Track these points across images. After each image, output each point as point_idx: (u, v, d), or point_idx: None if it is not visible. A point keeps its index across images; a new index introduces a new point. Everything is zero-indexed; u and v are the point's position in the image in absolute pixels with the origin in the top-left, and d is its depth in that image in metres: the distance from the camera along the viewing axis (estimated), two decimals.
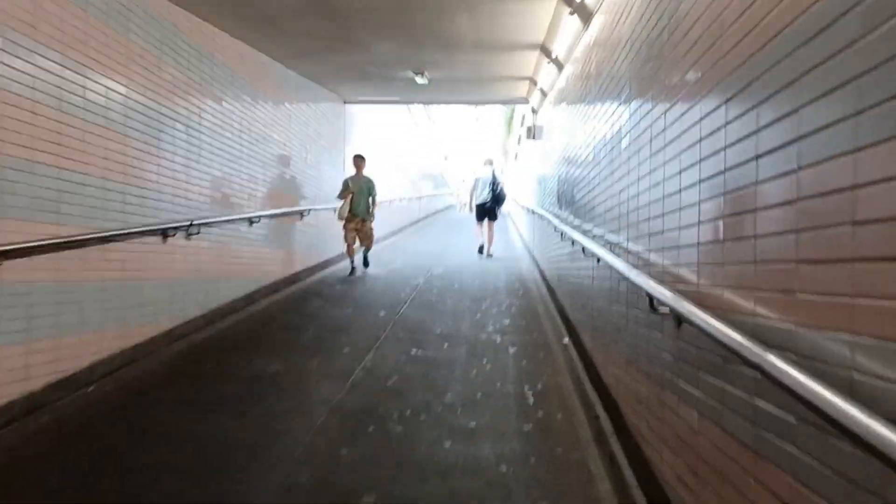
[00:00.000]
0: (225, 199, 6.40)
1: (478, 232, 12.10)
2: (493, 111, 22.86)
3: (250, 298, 7.02)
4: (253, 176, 7.10)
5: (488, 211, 11.62)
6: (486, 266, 10.55)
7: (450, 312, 6.81)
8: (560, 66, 6.90)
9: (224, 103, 6.37)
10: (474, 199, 11.80)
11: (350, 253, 9.45)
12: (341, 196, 9.28)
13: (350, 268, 9.46)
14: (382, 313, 6.73)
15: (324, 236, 9.76)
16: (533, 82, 8.86)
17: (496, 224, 11.99)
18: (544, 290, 8.16)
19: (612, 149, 3.89)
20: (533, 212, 10.21)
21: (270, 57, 7.41)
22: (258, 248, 7.27)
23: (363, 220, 9.43)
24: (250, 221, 6.95)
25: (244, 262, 6.92)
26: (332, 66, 8.05)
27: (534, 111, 10.75)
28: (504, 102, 12.23)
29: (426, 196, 22.29)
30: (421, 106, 21.77)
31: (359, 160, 9.50)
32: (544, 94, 8.77)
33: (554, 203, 7.46)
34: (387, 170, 15.21)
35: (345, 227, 9.38)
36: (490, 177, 11.63)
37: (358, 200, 9.28)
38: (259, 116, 7.28)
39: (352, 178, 9.39)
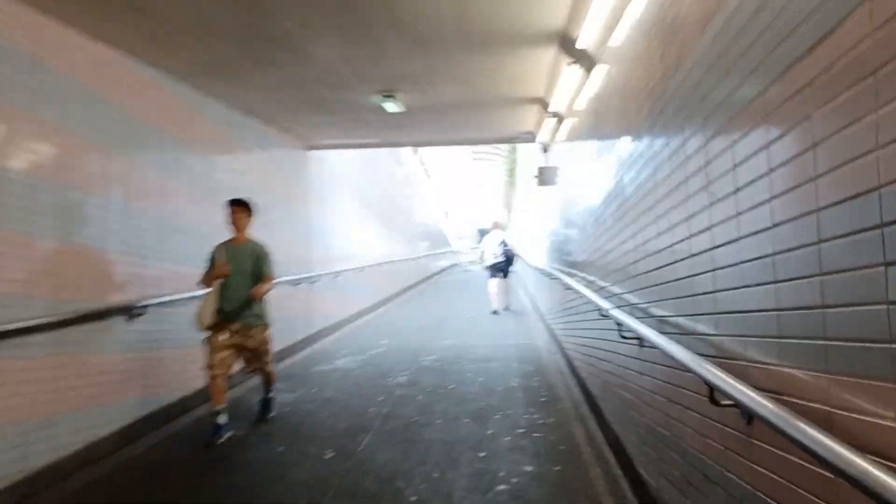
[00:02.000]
0: (70, 287, 4.03)
1: (491, 292, 11.97)
2: (493, 161, 20.86)
3: (128, 434, 4.54)
4: (134, 247, 4.75)
5: (500, 270, 11.87)
6: (493, 349, 8.06)
7: (437, 446, 4.31)
8: (589, 66, 4.63)
9: (65, 136, 4.09)
10: (486, 259, 12.17)
11: (215, 393, 4.60)
12: (205, 281, 4.81)
13: (213, 427, 4.55)
14: (330, 455, 4.23)
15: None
16: (543, 106, 6.62)
17: (508, 283, 12.29)
18: (577, 393, 5.66)
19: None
20: (552, 276, 7.81)
21: (165, 72, 5.15)
22: (144, 353, 4.84)
23: (247, 327, 4.79)
24: (130, 314, 4.57)
25: (116, 377, 4.48)
26: (267, 89, 5.82)
27: (544, 150, 8.53)
28: (505, 141, 10.03)
29: (423, 256, 19.98)
30: (416, 160, 19.76)
31: (237, 211, 4.87)
32: (560, 119, 6.52)
33: (589, 270, 5.08)
34: (374, 228, 12.93)
35: (209, 340, 4.66)
36: (501, 239, 11.98)
37: (234, 289, 4.72)
38: (152, 161, 5.01)
39: (224, 245, 4.86)
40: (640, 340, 3.09)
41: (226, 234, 4.89)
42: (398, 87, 5.85)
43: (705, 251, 2.20)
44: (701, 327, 2.29)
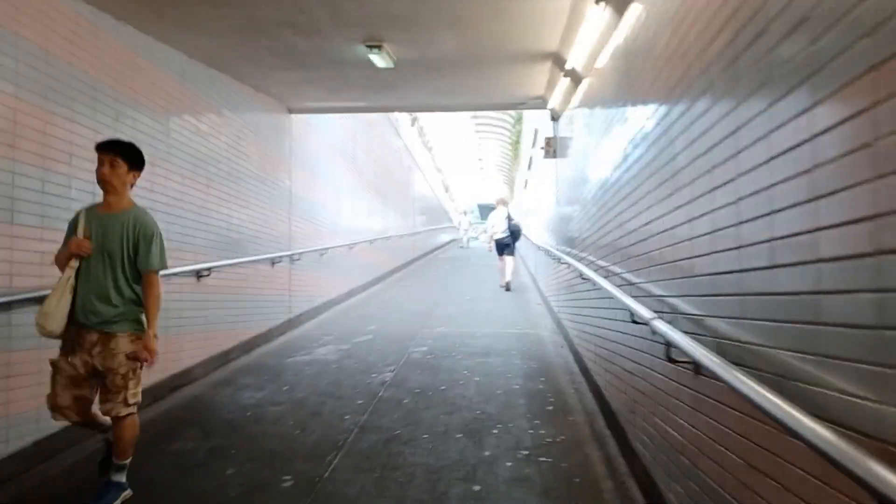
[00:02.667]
0: None
1: (500, 266, 12.14)
2: (496, 131, 19.83)
3: (45, 450, 3.69)
4: (55, 221, 3.85)
5: (506, 246, 11.92)
6: (492, 340, 7.21)
7: (421, 475, 3.48)
8: (621, 6, 3.70)
9: None
10: (491, 236, 12.30)
11: (101, 427, 3.27)
12: (60, 261, 3.16)
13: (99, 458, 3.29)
14: (288, 483, 3.40)
15: (231, 309, 6.49)
16: (557, 62, 5.67)
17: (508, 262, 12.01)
18: (591, 402, 4.82)
19: None
20: (560, 260, 6.94)
21: (97, 7, 4.18)
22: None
23: (106, 336, 3.03)
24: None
25: (32, 379, 3.62)
26: (224, 32, 4.87)
27: (554, 118, 7.61)
28: (511, 107, 9.10)
29: (420, 232, 19.09)
30: (414, 131, 18.77)
31: (108, 160, 3.11)
32: (577, 79, 5.58)
33: (609, 258, 4.19)
34: (366, 202, 12.01)
35: (57, 362, 3.05)
36: (505, 215, 12.05)
37: (94, 280, 3.07)
38: (82, 116, 4.09)
39: (90, 211, 3.21)
40: (697, 367, 2.25)
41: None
42: (384, 35, 4.91)
43: (858, 257, 1.33)
44: (836, 381, 1.42)
